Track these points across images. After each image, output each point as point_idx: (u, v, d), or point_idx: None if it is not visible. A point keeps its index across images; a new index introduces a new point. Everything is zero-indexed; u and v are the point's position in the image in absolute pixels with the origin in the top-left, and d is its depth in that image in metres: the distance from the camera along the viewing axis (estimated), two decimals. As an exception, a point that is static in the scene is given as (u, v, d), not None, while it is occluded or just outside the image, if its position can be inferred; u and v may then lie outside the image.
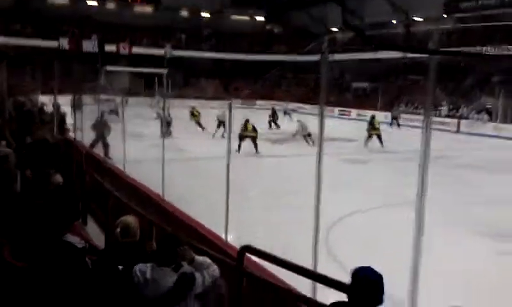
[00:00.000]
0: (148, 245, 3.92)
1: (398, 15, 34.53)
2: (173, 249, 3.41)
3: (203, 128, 23.55)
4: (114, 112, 19.79)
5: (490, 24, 30.72)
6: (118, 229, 3.86)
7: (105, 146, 14.84)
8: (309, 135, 19.85)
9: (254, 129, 18.60)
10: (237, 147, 16.62)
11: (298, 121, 21.69)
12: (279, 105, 35.62)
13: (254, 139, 18.33)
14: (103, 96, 21.42)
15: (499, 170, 16.06)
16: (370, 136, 20.64)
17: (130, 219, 3.97)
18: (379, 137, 20.59)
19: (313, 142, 18.91)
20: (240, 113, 22.73)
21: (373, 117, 21.74)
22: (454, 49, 30.27)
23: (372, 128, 20.77)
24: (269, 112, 29.40)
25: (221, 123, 21.60)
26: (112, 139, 14.30)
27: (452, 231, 8.66)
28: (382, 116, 34.51)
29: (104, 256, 3.89)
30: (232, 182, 5.82)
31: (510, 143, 24.04)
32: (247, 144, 17.88)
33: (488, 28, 32.76)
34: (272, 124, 28.09)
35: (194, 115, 25.33)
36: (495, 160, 18.60)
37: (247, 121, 18.37)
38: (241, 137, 17.80)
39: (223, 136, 19.79)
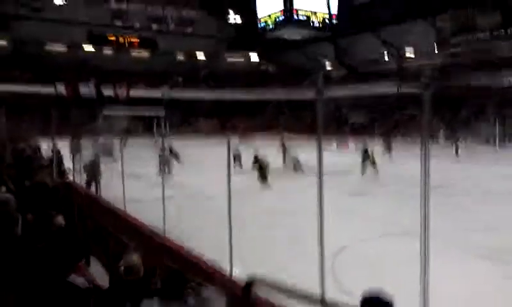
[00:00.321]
0: (154, 283, 3.90)
1: (390, 51, 35.24)
2: (179, 284, 3.40)
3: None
4: (108, 153, 19.74)
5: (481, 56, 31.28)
6: (122, 268, 3.85)
7: (98, 185, 14.89)
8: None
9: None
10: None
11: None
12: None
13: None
14: (101, 140, 21.56)
15: (499, 195, 16.09)
16: (364, 165, 21.79)
17: (133, 258, 3.97)
18: (374, 163, 21.78)
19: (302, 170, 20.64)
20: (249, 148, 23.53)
21: (366, 149, 22.86)
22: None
23: (367, 157, 21.94)
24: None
25: (235, 157, 22.96)
26: (111, 179, 14.34)
27: (456, 256, 8.65)
28: (379, 150, 34.83)
29: (109, 294, 3.86)
30: (233, 215, 5.83)
31: (509, 170, 24.08)
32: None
33: (478, 61, 33.37)
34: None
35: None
36: (494, 187, 18.61)
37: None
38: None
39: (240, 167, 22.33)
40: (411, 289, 3.80)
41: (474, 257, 8.84)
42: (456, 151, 29.68)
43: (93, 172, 15.19)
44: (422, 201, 3.76)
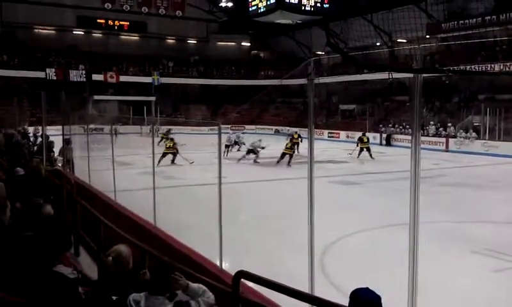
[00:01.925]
0: (142, 274, 3.87)
1: (381, 37, 35.12)
2: (167, 277, 3.38)
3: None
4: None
5: (472, 42, 31.24)
6: (110, 259, 3.81)
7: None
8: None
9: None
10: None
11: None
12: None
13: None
14: (91, 125, 21.39)
15: (488, 187, 16.19)
16: (361, 150, 22.78)
17: (122, 248, 3.92)
18: (368, 149, 22.60)
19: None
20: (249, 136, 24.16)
21: (363, 133, 23.98)
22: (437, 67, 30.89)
23: (361, 142, 22.79)
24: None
25: (236, 143, 25.31)
26: (102, 167, 14.27)
27: (446, 249, 8.67)
28: (371, 137, 34.98)
29: (97, 286, 3.84)
30: (224, 207, 5.81)
31: (498, 160, 24.27)
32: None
33: (469, 47, 33.36)
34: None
35: None
36: (484, 177, 18.75)
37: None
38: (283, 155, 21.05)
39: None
40: (402, 282, 3.83)
41: (465, 249, 8.86)
42: (446, 143, 29.83)
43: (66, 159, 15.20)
44: (412, 191, 3.77)
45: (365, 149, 22.68)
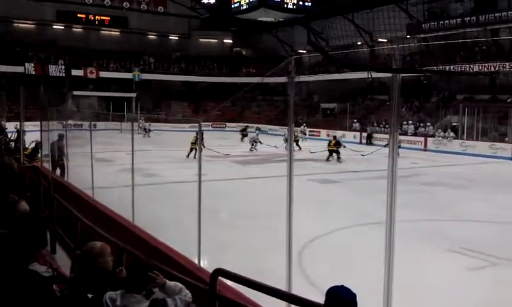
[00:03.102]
0: (118, 272, 3.84)
1: (363, 36, 35.36)
2: (144, 275, 3.35)
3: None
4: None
5: (452, 42, 31.66)
6: (79, 253, 3.77)
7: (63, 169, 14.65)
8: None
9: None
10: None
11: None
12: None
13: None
14: (70, 121, 21.12)
15: (465, 187, 16.43)
16: (330, 153, 22.96)
17: (94, 244, 3.88)
18: (337, 153, 22.86)
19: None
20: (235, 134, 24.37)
21: (334, 137, 24.47)
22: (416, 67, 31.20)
23: (328, 145, 23.25)
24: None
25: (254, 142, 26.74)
26: (81, 164, 14.08)
27: (422, 248, 8.78)
28: (351, 136, 35.26)
29: (72, 284, 3.79)
30: (204, 205, 5.79)
31: (475, 159, 24.65)
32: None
33: (449, 48, 33.81)
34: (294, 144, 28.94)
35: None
36: (461, 177, 19.02)
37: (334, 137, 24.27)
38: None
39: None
40: (379, 280, 3.86)
41: (442, 247, 8.96)
42: (425, 142, 30.18)
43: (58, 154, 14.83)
44: (389, 190, 3.80)
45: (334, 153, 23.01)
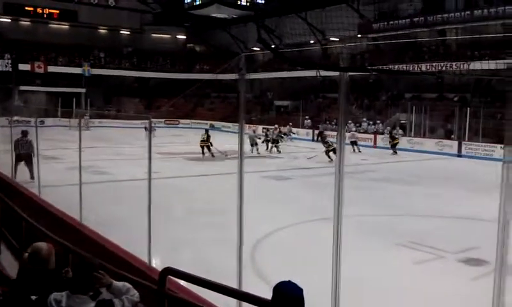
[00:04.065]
0: (64, 272, 3.74)
1: (315, 35, 35.79)
2: (90, 275, 3.28)
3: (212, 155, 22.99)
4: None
5: (400, 42, 32.50)
6: (27, 256, 3.66)
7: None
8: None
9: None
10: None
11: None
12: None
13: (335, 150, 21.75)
14: (16, 117, 20.44)
15: (412, 182, 16.91)
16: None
17: (41, 245, 3.77)
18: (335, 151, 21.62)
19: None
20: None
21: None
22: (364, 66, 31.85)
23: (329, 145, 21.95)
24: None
25: (253, 144, 24.66)
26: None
27: (370, 242, 8.98)
28: (304, 133, 35.65)
29: (15, 286, 3.67)
30: (154, 203, 5.71)
31: (422, 156, 25.41)
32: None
33: (398, 47, 34.72)
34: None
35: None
36: (409, 173, 19.57)
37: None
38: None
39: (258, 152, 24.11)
40: (329, 275, 3.92)
41: (389, 241, 9.19)
42: (375, 139, 30.82)
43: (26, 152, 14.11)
44: (336, 185, 3.86)
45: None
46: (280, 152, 25.25)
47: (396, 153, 26.39)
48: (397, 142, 27.12)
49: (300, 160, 22.40)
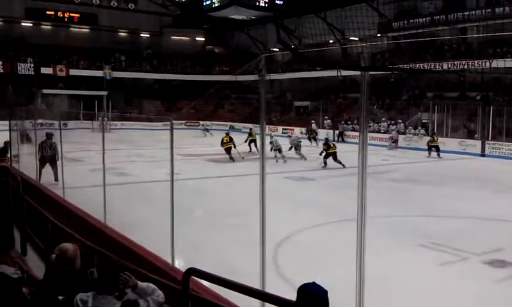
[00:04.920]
0: (89, 273, 3.79)
1: (335, 35, 35.61)
2: (115, 276, 3.32)
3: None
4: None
5: (421, 40, 32.18)
6: (54, 256, 3.72)
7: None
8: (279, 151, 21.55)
9: (334, 146, 20.66)
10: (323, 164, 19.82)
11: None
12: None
13: (335, 155, 19.99)
14: (40, 120, 20.74)
15: (435, 183, 16.72)
16: (327, 156, 20.21)
17: (67, 246, 3.82)
18: (335, 156, 20.18)
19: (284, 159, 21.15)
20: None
21: (327, 139, 22.25)
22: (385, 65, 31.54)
23: (328, 147, 20.42)
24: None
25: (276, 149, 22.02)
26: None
27: (393, 243, 8.90)
28: (324, 133, 35.50)
29: (42, 286, 3.73)
30: (178, 204, 5.74)
31: (445, 156, 25.09)
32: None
33: (419, 46, 34.37)
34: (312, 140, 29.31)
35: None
36: (431, 173, 19.35)
37: (327, 139, 21.64)
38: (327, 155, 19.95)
39: (284, 161, 21.22)
40: (352, 276, 3.90)
41: (412, 243, 9.09)
42: (395, 139, 30.51)
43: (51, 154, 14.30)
44: (359, 187, 3.84)
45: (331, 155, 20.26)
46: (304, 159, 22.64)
47: (435, 155, 25.18)
48: (437, 145, 25.44)
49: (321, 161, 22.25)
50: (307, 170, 19.32)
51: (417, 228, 10.22)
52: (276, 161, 20.84)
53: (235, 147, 22.31)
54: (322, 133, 34.34)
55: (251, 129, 26.93)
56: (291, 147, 23.16)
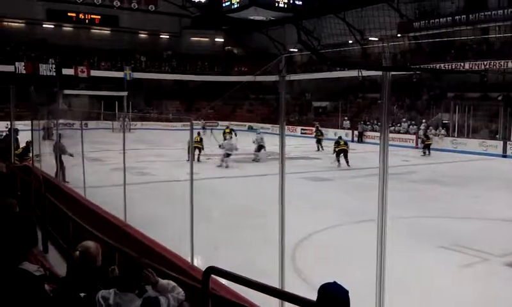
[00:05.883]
0: (110, 270, 3.83)
1: (354, 35, 35.41)
2: (136, 273, 3.35)
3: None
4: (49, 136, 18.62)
5: (442, 40, 31.81)
6: (77, 253, 3.76)
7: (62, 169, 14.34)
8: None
9: (345, 143, 20.87)
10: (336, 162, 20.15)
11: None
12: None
13: (346, 153, 20.23)
14: (61, 120, 21.03)
15: (456, 184, 16.51)
16: (338, 153, 20.43)
17: (89, 244, 3.87)
18: (346, 154, 20.41)
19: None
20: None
21: (340, 137, 22.75)
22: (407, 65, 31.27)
23: (338, 145, 20.69)
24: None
25: (260, 147, 22.39)
26: (71, 162, 13.99)
27: (414, 245, 8.82)
28: (343, 133, 35.37)
29: (64, 283, 3.78)
30: (197, 204, 5.77)
31: (466, 157, 24.78)
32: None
33: (440, 46, 33.98)
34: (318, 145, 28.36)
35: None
36: (452, 174, 19.12)
37: (340, 137, 22.16)
38: (338, 153, 20.24)
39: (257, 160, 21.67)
40: (371, 277, 3.88)
41: (433, 244, 9.00)
42: (416, 141, 30.22)
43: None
44: (380, 187, 3.81)
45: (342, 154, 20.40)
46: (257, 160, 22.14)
47: (426, 154, 25.79)
48: (430, 143, 26.40)
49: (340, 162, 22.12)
50: (324, 170, 19.25)
51: (438, 230, 10.12)
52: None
53: (202, 149, 20.87)
54: (341, 133, 34.26)
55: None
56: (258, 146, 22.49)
